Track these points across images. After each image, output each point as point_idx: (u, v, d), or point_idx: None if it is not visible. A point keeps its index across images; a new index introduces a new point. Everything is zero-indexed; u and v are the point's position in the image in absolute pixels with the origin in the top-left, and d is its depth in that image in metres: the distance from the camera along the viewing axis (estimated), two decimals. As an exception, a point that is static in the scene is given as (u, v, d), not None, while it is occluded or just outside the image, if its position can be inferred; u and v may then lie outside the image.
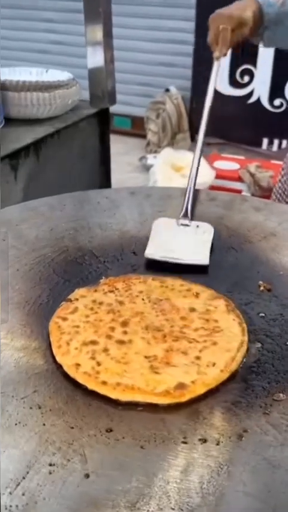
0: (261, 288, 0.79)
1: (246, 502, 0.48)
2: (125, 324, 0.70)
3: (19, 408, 0.59)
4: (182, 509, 0.47)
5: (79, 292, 0.77)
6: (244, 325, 0.70)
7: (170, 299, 0.75)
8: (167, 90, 3.74)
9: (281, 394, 0.60)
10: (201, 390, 0.60)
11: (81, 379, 0.62)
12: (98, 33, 1.38)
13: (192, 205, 0.97)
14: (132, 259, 0.87)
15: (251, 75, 3.40)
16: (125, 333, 0.68)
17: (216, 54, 1.11)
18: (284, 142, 3.40)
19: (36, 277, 0.81)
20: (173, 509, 0.47)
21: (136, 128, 3.96)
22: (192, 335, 0.68)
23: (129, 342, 0.67)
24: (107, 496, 0.48)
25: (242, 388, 0.62)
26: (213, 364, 0.63)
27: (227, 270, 0.83)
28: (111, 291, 0.77)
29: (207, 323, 0.70)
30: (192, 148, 3.55)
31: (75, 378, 0.62)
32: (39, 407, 0.59)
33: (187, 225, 0.92)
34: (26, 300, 0.77)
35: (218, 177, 3.02)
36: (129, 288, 0.77)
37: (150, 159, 3.52)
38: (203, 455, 0.53)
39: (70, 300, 0.75)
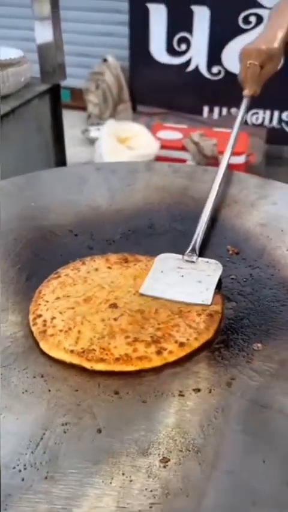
0: (230, 252, 0.86)
1: (244, 439, 0.55)
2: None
3: (23, 378, 0.63)
4: (189, 450, 0.53)
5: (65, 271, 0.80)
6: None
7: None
8: (105, 60, 3.71)
9: (259, 344, 0.68)
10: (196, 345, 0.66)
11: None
12: (45, 6, 1.37)
13: (202, 241, 0.86)
14: (106, 234, 0.91)
15: (188, 43, 3.42)
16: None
17: (245, 92, 1.06)
18: (224, 109, 3.47)
19: (16, 258, 0.84)
20: (180, 450, 0.53)
21: (75, 100, 3.91)
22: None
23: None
24: (121, 446, 0.54)
25: (225, 342, 0.68)
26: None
27: (197, 237, 0.89)
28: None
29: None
30: (134, 119, 3.57)
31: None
32: (42, 376, 0.63)
33: (193, 262, 0.82)
34: (10, 280, 0.80)
35: (162, 147, 3.06)
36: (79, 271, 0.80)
37: (94, 132, 3.50)
38: (199, 403, 0.59)
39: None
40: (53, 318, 0.70)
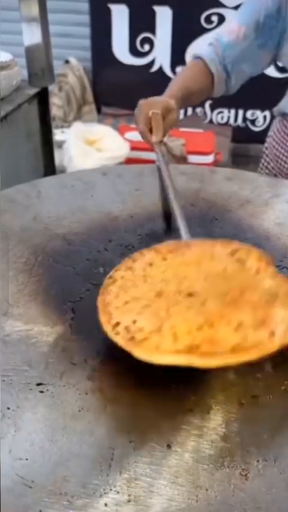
0: (254, 252, 0.85)
1: None
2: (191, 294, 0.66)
3: (76, 395, 0.60)
4: (266, 460, 0.52)
5: (119, 273, 0.72)
6: None
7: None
8: (67, 61, 3.66)
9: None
10: None
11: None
12: (33, 8, 1.32)
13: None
14: (124, 240, 0.88)
15: (151, 44, 3.42)
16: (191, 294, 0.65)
17: (153, 139, 1.03)
18: (190, 109, 3.49)
19: (39, 270, 0.81)
20: (257, 461, 0.52)
21: (37, 102, 3.84)
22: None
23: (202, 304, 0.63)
24: (195, 462, 0.52)
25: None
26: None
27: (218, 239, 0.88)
28: (150, 264, 0.72)
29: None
30: (100, 120, 3.54)
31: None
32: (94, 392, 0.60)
33: None
34: (36, 292, 0.76)
35: (132, 148, 3.05)
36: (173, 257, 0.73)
37: (59, 135, 3.44)
38: (261, 410, 0.58)
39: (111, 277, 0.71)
40: (134, 321, 0.61)
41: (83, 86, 3.61)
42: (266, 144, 1.36)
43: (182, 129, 3.32)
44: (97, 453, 0.53)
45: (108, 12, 3.38)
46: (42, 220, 0.92)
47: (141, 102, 1.06)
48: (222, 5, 3.15)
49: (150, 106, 1.04)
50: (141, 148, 3.12)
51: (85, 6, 3.45)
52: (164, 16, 3.30)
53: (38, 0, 1.30)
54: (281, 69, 2.70)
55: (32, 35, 1.38)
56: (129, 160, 2.98)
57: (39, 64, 1.44)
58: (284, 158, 1.26)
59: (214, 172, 1.07)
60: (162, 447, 0.54)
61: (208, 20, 3.23)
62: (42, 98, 1.52)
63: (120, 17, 3.38)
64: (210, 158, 3.16)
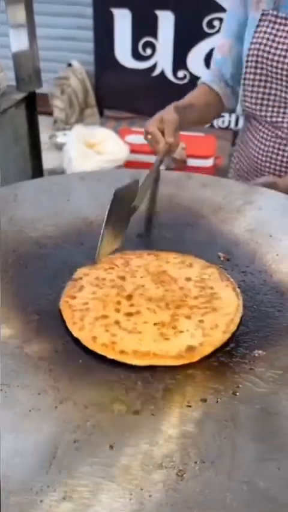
0: (221, 258, 0.86)
1: (256, 447, 0.55)
2: (129, 297, 0.76)
3: (28, 396, 0.61)
4: (203, 462, 0.54)
5: (81, 271, 0.82)
6: (238, 290, 0.78)
7: (166, 271, 0.82)
8: (70, 65, 3.69)
9: (260, 351, 0.68)
10: (208, 350, 0.67)
11: (100, 350, 0.67)
12: (20, 14, 1.35)
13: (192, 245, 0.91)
14: (96, 244, 0.90)
15: (153, 48, 3.44)
16: (132, 305, 0.75)
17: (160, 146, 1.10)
18: (191, 113, 3.50)
19: (6, 272, 0.82)
20: (195, 462, 0.54)
21: (41, 105, 3.86)
22: (193, 302, 0.75)
23: (137, 313, 0.73)
24: (135, 461, 0.54)
25: (224, 350, 0.69)
26: (216, 326, 0.70)
27: (188, 245, 0.89)
28: (111, 268, 0.83)
29: (204, 290, 0.78)
30: (102, 123, 3.56)
31: (94, 349, 0.68)
32: (46, 391, 0.62)
33: None
34: (6, 295, 0.78)
35: (131, 151, 3.06)
36: (128, 264, 0.84)
37: (60, 137, 3.47)
38: (208, 413, 0.59)
39: (75, 279, 0.80)
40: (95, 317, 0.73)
41: (85, 89, 3.63)
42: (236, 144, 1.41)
43: (182, 133, 3.33)
44: (40, 451, 0.54)
45: (111, 16, 3.41)
46: (17, 223, 0.94)
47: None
48: (224, 10, 3.15)
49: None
50: (141, 152, 3.14)
51: (88, 10, 3.48)
52: (166, 20, 3.32)
53: (25, 6, 1.33)
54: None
55: (19, 41, 1.40)
56: (128, 163, 3.00)
57: (27, 70, 1.46)
58: (252, 157, 1.29)
59: (190, 178, 1.08)
60: (104, 447, 0.55)
61: (210, 24, 3.24)
62: (30, 103, 1.55)
63: (122, 21, 3.41)
64: (210, 162, 3.18)
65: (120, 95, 3.59)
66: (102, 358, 0.67)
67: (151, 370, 0.66)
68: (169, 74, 3.48)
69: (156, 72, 3.51)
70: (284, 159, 1.22)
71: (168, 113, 1.13)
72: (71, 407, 0.60)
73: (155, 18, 3.36)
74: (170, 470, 0.53)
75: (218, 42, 1.29)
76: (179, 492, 0.50)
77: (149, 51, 3.47)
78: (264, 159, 1.24)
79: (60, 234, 0.92)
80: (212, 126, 3.54)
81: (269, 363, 0.67)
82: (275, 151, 1.22)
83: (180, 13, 3.30)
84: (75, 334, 0.70)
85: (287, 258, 0.85)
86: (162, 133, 1.09)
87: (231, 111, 1.39)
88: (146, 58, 3.50)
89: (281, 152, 1.21)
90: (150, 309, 0.74)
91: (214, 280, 0.81)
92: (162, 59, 3.46)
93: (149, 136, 1.12)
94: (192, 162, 3.11)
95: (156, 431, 0.57)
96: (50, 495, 0.50)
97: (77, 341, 0.70)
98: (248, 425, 0.58)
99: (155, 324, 0.71)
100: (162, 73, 3.49)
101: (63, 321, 0.73)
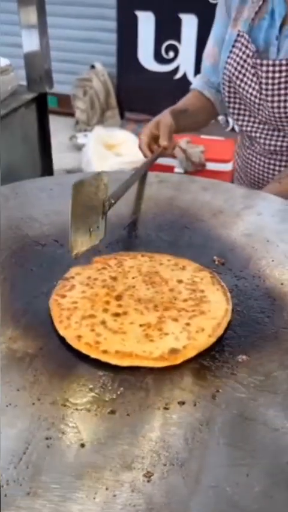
0: (216, 262, 0.86)
1: (228, 451, 0.55)
2: (119, 297, 0.77)
3: (6, 391, 0.62)
4: (172, 464, 0.53)
5: (74, 270, 0.82)
6: (228, 294, 0.77)
7: (159, 272, 0.82)
8: (92, 66, 3.72)
9: (244, 356, 0.68)
10: (192, 353, 0.67)
11: (83, 349, 0.67)
12: (32, 15, 1.36)
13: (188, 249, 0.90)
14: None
15: (176, 51, 3.44)
16: (120, 306, 0.75)
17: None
18: (211, 117, 3.50)
19: (2, 272, 0.83)
20: (164, 464, 0.53)
21: (63, 106, 3.91)
22: (181, 305, 0.75)
23: (124, 313, 0.73)
24: (104, 461, 0.53)
25: (209, 354, 0.68)
26: (202, 330, 0.70)
27: (184, 248, 0.89)
28: (104, 268, 0.83)
29: (194, 293, 0.77)
30: (122, 126, 3.58)
31: (78, 348, 0.68)
32: (25, 388, 0.63)
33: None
34: (-5, 289, 0.79)
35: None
36: (121, 264, 0.84)
37: (81, 138, 3.51)
38: (183, 416, 0.59)
39: (66, 278, 0.80)
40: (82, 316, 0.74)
41: (107, 90, 3.66)
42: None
43: (202, 136, 3.33)
44: (12, 446, 0.55)
45: (134, 19, 3.43)
46: (14, 221, 0.95)
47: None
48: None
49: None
50: (159, 154, 3.14)
51: (112, 12, 3.50)
52: (189, 24, 3.33)
53: (37, 7, 1.34)
54: None
55: (31, 42, 1.42)
56: (146, 166, 3.01)
57: (38, 70, 1.48)
58: (249, 170, 1.29)
59: (193, 181, 1.08)
60: (76, 446, 0.55)
61: (233, 28, 3.23)
62: (41, 103, 1.56)
63: (146, 24, 3.43)
64: (228, 166, 3.16)
65: (142, 97, 3.60)
66: (86, 358, 0.67)
67: (133, 370, 0.65)
68: (191, 77, 3.48)
69: (179, 75, 3.52)
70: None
71: (165, 117, 1.15)
72: (47, 404, 0.60)
73: (178, 22, 3.36)
74: (139, 471, 0.52)
75: (207, 49, 1.29)
76: (144, 494, 0.50)
77: (171, 54, 3.48)
78: (260, 174, 1.25)
79: (57, 233, 0.92)
80: (233, 130, 3.52)
81: (251, 368, 0.66)
82: (271, 167, 1.23)
83: (203, 17, 3.30)
84: (61, 332, 0.71)
85: (281, 264, 0.84)
86: (157, 137, 1.13)
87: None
88: (169, 61, 3.51)
89: (277, 168, 1.22)
90: (137, 310, 0.74)
91: (205, 283, 0.80)
92: (185, 62, 3.47)
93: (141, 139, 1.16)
94: (211, 166, 3.10)
95: (130, 432, 0.57)
96: (15, 490, 0.50)
97: (62, 339, 0.70)
98: (222, 430, 0.57)
99: (140, 325, 0.71)
100: (184, 76, 3.50)
101: (52, 319, 0.74)
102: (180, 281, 0.80)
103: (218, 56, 1.23)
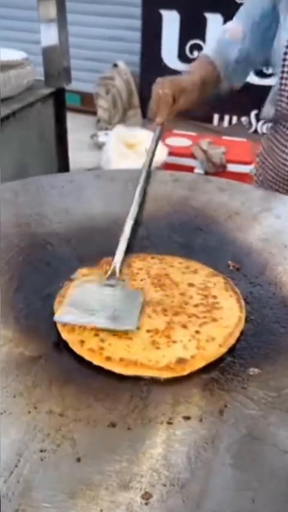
0: (231, 267, 0.82)
1: (233, 473, 0.50)
2: None
3: (2, 397, 0.59)
4: (173, 485, 0.49)
5: (81, 271, 0.79)
6: (242, 302, 0.73)
7: (169, 275, 0.78)
8: (115, 65, 3.70)
9: (256, 369, 0.63)
10: (200, 364, 0.63)
11: (86, 355, 0.64)
12: (51, 9, 1.34)
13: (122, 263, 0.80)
14: (100, 245, 0.87)
15: (200, 50, 3.39)
16: None
17: (158, 119, 1.08)
18: (234, 118, 3.44)
19: (6, 267, 0.80)
20: (164, 485, 0.49)
21: (86, 104, 3.90)
22: (192, 310, 0.71)
23: None
24: (100, 478, 0.50)
25: (219, 365, 0.64)
26: (212, 339, 0.66)
27: (197, 251, 0.85)
28: None
29: (206, 298, 0.73)
30: (144, 125, 3.54)
31: (80, 354, 0.64)
32: (22, 394, 0.59)
33: (112, 285, 0.76)
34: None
35: (170, 154, 3.03)
36: (130, 266, 0.80)
37: (102, 137, 3.48)
38: (188, 432, 0.55)
39: (72, 280, 0.77)
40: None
41: (129, 89, 3.63)
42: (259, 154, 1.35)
43: (224, 137, 3.28)
44: (3, 458, 0.52)
45: (159, 18, 3.39)
46: (24, 218, 0.92)
47: (159, 79, 1.10)
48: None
49: (163, 85, 1.08)
50: (180, 154, 3.10)
51: (137, 10, 3.47)
52: (214, 23, 3.27)
53: (56, 1, 1.32)
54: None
55: (49, 36, 1.40)
56: (166, 165, 2.97)
57: (56, 65, 1.46)
58: (270, 167, 1.24)
59: (209, 181, 1.03)
60: (71, 460, 0.52)
61: (259, 28, 3.17)
62: (59, 99, 1.54)
63: (170, 23, 3.39)
64: (249, 168, 3.10)
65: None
66: (88, 363, 0.64)
67: (137, 380, 0.62)
68: (215, 77, 3.43)
69: (202, 75, 3.47)
70: None
71: (166, 94, 1.07)
72: (44, 413, 0.57)
73: (203, 20, 3.31)
74: (136, 491, 0.49)
75: (229, 25, 1.24)
76: (140, 517, 0.46)
77: (196, 53, 3.43)
78: None
79: (67, 232, 0.89)
80: (255, 131, 3.46)
81: (263, 382, 0.61)
82: None
83: (230, 16, 3.24)
84: (64, 336, 0.68)
85: (300, 271, 0.80)
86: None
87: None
88: (193, 60, 3.46)
89: None
90: (145, 313, 0.70)
91: (218, 289, 0.76)
92: (209, 62, 3.42)
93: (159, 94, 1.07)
94: (231, 168, 3.05)
95: (130, 447, 0.53)
96: (3, 505, 0.47)
97: (65, 343, 0.67)
98: (228, 450, 0.53)
99: (148, 331, 0.68)
100: (207, 76, 3.44)
101: (55, 322, 0.70)
102: (191, 285, 0.76)
103: (245, 35, 1.19)
